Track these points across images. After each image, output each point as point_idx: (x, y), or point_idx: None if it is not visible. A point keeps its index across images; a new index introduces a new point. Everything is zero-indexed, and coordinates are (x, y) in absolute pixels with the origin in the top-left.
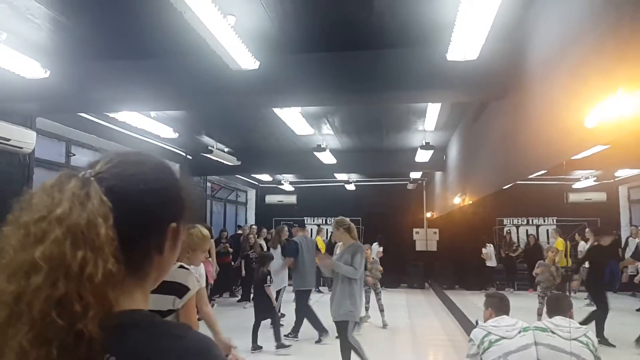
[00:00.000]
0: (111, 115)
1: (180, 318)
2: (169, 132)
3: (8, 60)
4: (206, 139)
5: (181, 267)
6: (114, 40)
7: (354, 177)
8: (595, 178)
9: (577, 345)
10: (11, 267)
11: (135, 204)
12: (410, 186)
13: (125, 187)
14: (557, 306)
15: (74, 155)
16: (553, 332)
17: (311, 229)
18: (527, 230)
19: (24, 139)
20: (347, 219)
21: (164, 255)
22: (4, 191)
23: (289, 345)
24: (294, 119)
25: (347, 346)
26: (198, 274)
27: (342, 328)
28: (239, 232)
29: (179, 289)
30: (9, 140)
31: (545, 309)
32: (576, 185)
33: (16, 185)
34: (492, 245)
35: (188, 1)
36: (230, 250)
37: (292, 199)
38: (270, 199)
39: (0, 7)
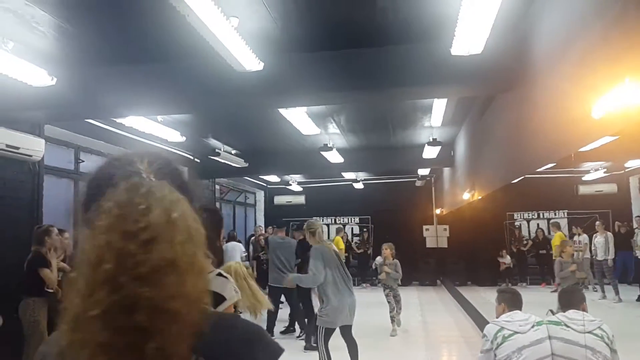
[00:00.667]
0: (118, 120)
1: None
2: (176, 136)
3: (15, 69)
4: (213, 142)
5: (219, 274)
6: (118, 45)
7: (361, 175)
8: (605, 169)
9: (592, 338)
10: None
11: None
12: (418, 183)
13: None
14: (570, 299)
15: (82, 161)
16: (567, 326)
17: (328, 229)
18: (537, 224)
19: (33, 146)
20: (317, 223)
21: None
22: (15, 199)
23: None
24: (299, 119)
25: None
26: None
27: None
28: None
29: (216, 299)
30: (18, 148)
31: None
32: (586, 178)
33: (26, 193)
34: (507, 253)
35: (190, 4)
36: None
37: (301, 199)
38: (279, 199)
39: (6, 16)
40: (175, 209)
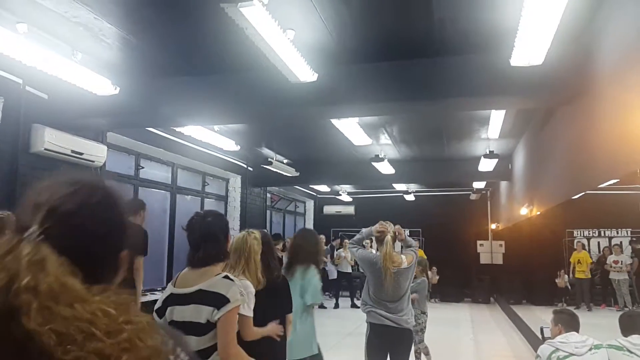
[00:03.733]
0: (177, 129)
1: (218, 333)
2: (231, 145)
3: (82, 79)
4: (266, 151)
5: (226, 277)
6: (179, 57)
7: (413, 187)
8: None
9: None
10: None
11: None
12: (473, 196)
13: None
14: (633, 324)
15: (142, 168)
16: (630, 352)
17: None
18: (598, 243)
19: (96, 152)
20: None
21: None
22: None
23: None
24: (351, 129)
25: None
26: (246, 291)
27: None
28: None
29: (220, 300)
30: (82, 154)
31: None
32: None
33: None
34: (564, 273)
35: (249, 18)
36: None
37: (350, 210)
38: (328, 209)
39: (77, 29)
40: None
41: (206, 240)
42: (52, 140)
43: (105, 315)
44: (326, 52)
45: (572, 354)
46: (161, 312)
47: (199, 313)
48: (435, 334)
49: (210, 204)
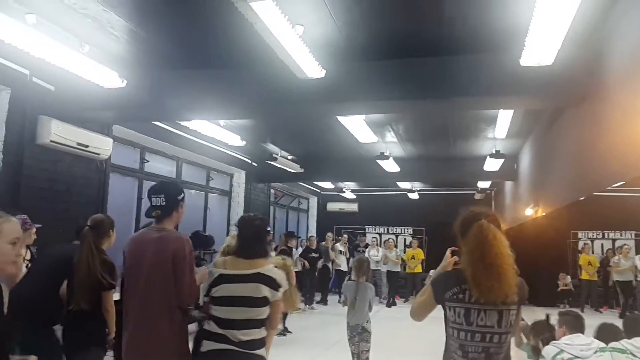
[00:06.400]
0: (183, 123)
1: (272, 310)
2: (236, 140)
3: (89, 71)
4: (271, 147)
5: (275, 267)
6: (187, 51)
7: (417, 185)
8: None
9: None
10: None
11: None
12: (477, 196)
13: None
14: (637, 326)
15: (147, 161)
16: (633, 355)
17: (380, 238)
18: (602, 245)
19: (102, 145)
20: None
21: None
22: (82, 195)
23: None
24: (357, 126)
25: None
26: None
27: None
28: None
29: (275, 283)
30: (87, 146)
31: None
32: None
33: (93, 190)
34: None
35: (259, 12)
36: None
37: (354, 207)
38: (332, 206)
39: (85, 21)
40: None
41: (255, 239)
42: (58, 132)
43: None
44: (335, 49)
45: (577, 357)
46: (209, 291)
47: (258, 290)
48: (440, 333)
49: (214, 199)
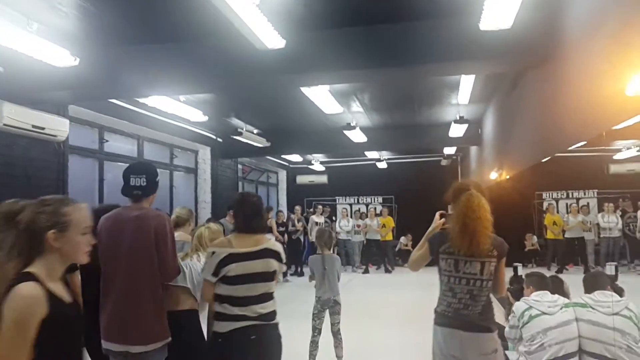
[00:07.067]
0: (142, 100)
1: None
2: (198, 116)
3: (39, 50)
4: (235, 122)
5: (277, 239)
6: (140, 25)
7: (385, 154)
8: (638, 148)
9: (620, 320)
10: None
11: None
12: (444, 162)
13: None
14: (595, 282)
15: (107, 141)
16: (593, 308)
17: (351, 209)
18: (566, 204)
19: (58, 127)
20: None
21: None
22: (41, 178)
23: None
24: (322, 97)
25: None
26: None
27: None
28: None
29: (280, 256)
30: (43, 128)
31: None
32: (617, 156)
33: (52, 173)
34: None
35: None
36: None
37: (324, 179)
38: (301, 179)
39: None
40: None
41: (255, 215)
42: (11, 115)
43: None
44: (294, 18)
45: (544, 313)
46: (217, 272)
47: (269, 265)
48: (410, 296)
49: (179, 177)
